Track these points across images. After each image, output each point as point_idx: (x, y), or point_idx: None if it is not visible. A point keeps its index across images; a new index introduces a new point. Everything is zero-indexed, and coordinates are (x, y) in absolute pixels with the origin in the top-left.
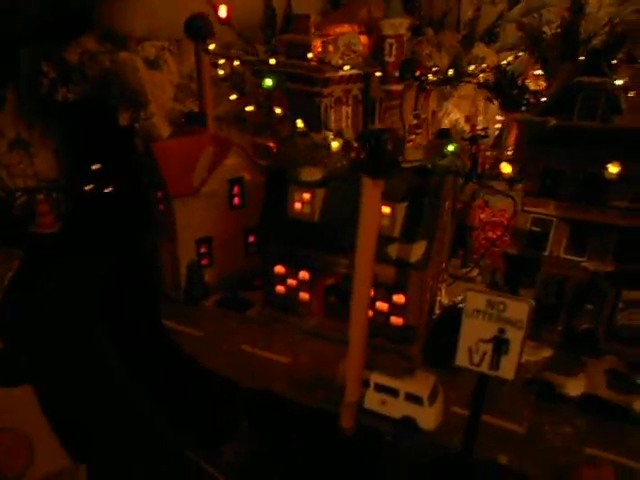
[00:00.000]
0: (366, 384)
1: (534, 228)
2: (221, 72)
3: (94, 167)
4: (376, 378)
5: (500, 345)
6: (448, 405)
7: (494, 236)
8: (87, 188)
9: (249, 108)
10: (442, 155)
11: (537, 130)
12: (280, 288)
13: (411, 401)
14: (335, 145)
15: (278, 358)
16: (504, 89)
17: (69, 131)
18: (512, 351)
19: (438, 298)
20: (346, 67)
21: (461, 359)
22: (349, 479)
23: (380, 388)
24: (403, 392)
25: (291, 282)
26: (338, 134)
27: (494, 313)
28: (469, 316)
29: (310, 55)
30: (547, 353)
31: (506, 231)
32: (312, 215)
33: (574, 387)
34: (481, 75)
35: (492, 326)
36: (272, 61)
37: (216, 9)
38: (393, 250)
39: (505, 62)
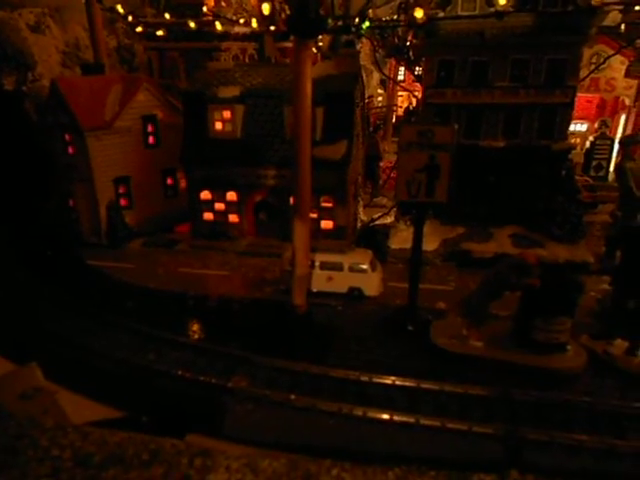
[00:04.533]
0: (312, 266)
1: (436, 120)
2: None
3: None
4: (320, 257)
5: (432, 171)
6: (384, 282)
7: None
8: None
9: None
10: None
11: (429, 25)
12: (208, 215)
13: (355, 271)
14: (266, 8)
15: (217, 273)
16: (387, 39)
17: None
18: (442, 174)
19: (358, 214)
20: (242, 20)
21: (400, 194)
22: (307, 347)
23: (325, 266)
24: (347, 264)
25: (219, 206)
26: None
27: (424, 142)
28: (404, 150)
29: (205, 9)
30: (461, 230)
31: None
32: (234, 132)
33: (487, 250)
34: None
35: (424, 155)
36: (167, 16)
37: None
38: (317, 152)
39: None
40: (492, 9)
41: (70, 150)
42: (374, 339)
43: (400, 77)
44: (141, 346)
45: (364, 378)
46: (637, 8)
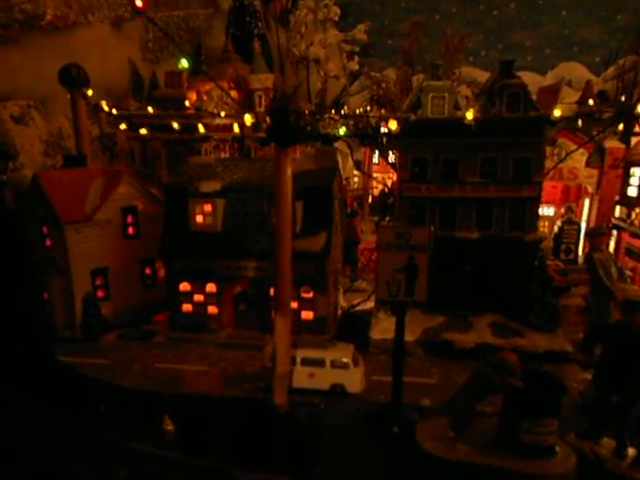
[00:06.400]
0: (293, 362)
1: (412, 212)
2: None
3: None
4: (302, 353)
5: (411, 271)
6: (367, 376)
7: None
8: None
9: None
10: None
11: (402, 125)
12: (187, 307)
13: (337, 367)
14: (248, 119)
15: (195, 368)
16: (361, 129)
17: None
18: (421, 274)
19: (338, 301)
20: (222, 113)
21: (381, 293)
22: (290, 450)
23: (307, 362)
24: (329, 360)
25: (198, 298)
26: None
27: (402, 243)
28: (383, 250)
29: (187, 103)
30: (441, 319)
31: None
32: (215, 226)
33: (468, 340)
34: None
35: (403, 255)
36: (150, 109)
37: (134, 1)
38: (297, 245)
39: (359, 111)
40: (459, 112)
41: (48, 242)
42: (359, 443)
43: (375, 160)
44: (112, 460)
45: None
46: (591, 102)
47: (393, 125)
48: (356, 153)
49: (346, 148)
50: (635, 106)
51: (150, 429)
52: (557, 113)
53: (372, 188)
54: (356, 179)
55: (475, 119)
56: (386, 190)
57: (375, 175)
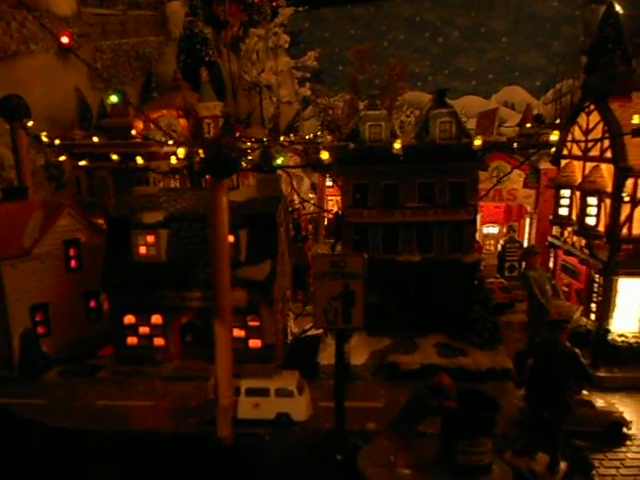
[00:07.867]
0: (237, 393)
1: (356, 237)
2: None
3: None
4: (246, 383)
5: (347, 298)
6: (314, 402)
7: None
8: None
9: None
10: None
11: (342, 153)
12: (132, 339)
13: (282, 396)
14: (181, 152)
15: (141, 403)
16: (310, 155)
17: None
18: (357, 301)
19: (288, 327)
20: (170, 142)
21: (318, 321)
22: None
23: (251, 392)
24: (273, 389)
25: (143, 330)
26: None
27: (337, 271)
28: (319, 279)
29: (134, 132)
30: (387, 341)
31: None
32: (159, 256)
33: (414, 362)
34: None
35: (338, 283)
36: (95, 139)
37: (59, 37)
38: (241, 273)
39: (308, 137)
40: (395, 140)
41: None
42: (302, 473)
43: (329, 183)
44: None
45: None
46: (528, 125)
47: (325, 155)
48: (312, 176)
49: (301, 172)
50: (561, 128)
51: (87, 475)
52: (477, 142)
53: (327, 211)
54: (312, 200)
55: (402, 148)
56: (340, 212)
57: (330, 198)
